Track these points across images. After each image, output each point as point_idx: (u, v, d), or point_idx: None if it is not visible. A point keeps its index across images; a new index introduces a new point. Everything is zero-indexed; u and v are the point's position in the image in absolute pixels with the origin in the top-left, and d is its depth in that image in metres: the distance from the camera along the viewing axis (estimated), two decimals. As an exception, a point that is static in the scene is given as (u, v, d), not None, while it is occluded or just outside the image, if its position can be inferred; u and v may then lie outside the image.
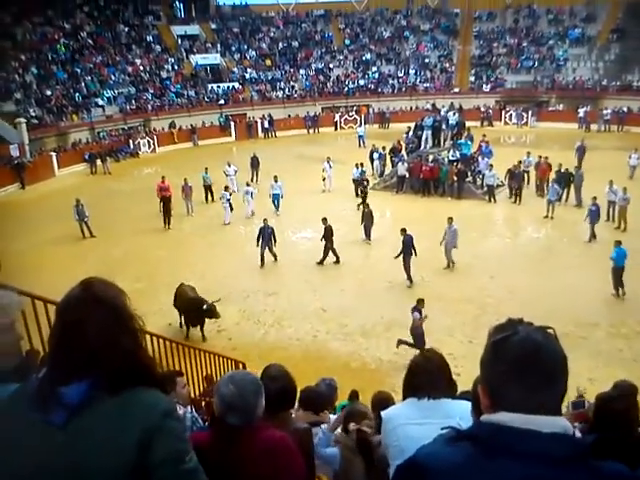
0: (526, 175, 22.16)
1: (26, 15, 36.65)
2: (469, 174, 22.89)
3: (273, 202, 20.45)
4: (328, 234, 15.96)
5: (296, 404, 3.62)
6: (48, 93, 32.94)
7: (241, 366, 8.35)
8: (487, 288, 14.11)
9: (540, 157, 22.35)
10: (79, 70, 35.52)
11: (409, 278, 14.45)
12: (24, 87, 32.45)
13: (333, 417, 4.07)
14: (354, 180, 22.47)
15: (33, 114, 30.89)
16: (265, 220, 16.42)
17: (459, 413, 2.35)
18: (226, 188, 20.28)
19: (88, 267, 15.37)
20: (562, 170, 20.70)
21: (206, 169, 22.38)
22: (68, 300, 1.63)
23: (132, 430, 1.50)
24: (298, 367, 7.29)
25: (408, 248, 14.43)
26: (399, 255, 14.49)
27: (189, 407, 4.47)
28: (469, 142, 24.79)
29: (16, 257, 15.14)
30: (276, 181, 20.60)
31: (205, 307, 11.71)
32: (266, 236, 16.00)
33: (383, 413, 2.78)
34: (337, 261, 16.12)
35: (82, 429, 1.50)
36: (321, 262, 16.06)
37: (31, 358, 3.34)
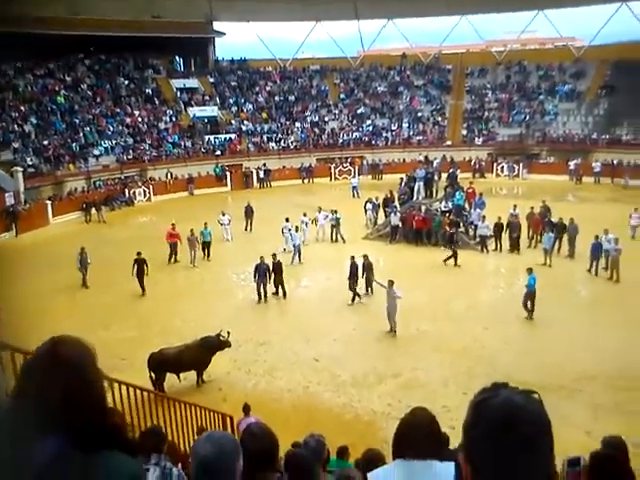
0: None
1: (28, 67, 37.62)
2: (461, 224, 23.09)
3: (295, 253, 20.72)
4: (354, 270, 16.69)
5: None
6: (46, 143, 33.37)
7: (229, 420, 8.17)
8: (481, 339, 13.97)
9: (532, 208, 22.61)
10: (78, 121, 36.13)
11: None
12: (22, 137, 32.91)
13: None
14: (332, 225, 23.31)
15: (30, 163, 31.21)
16: (261, 257, 17.08)
17: (445, 475, 2.29)
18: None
19: (82, 315, 15.33)
20: (556, 220, 20.99)
21: (205, 224, 21.79)
22: (34, 359, 1.60)
23: None
24: (289, 420, 7.20)
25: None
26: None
27: (178, 464, 4.32)
28: (462, 193, 25.22)
29: (10, 304, 14.98)
30: (297, 230, 21.35)
31: (222, 337, 12.14)
32: (261, 272, 16.91)
33: (369, 474, 2.71)
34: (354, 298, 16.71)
35: None
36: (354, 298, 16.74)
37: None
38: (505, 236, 21.57)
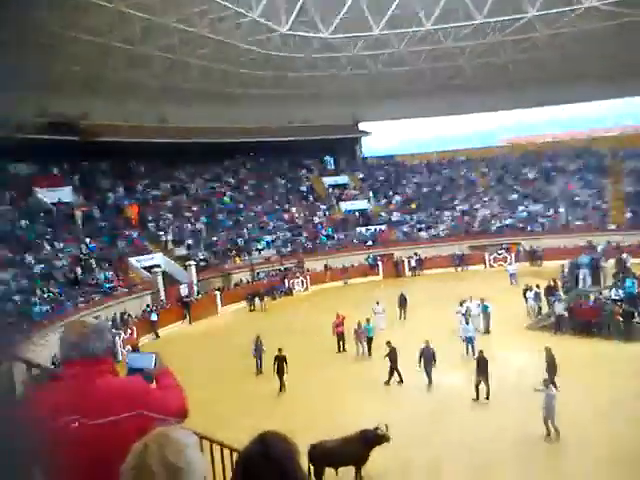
0: None
1: (198, 172, 42.36)
2: (636, 314, 21.25)
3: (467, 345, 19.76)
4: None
5: None
6: (215, 238, 36.72)
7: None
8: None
9: None
10: (242, 218, 39.49)
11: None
12: (195, 234, 36.54)
13: None
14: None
15: (202, 257, 34.37)
16: (427, 341, 17.19)
17: None
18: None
19: (250, 402, 15.95)
20: None
21: (368, 320, 21.56)
22: (245, 456, 1.76)
23: None
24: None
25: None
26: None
27: None
28: (634, 280, 23.40)
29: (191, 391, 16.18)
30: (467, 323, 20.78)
31: (380, 431, 11.68)
32: (428, 357, 16.97)
33: None
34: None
35: None
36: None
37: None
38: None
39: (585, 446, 12.58)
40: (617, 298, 22.14)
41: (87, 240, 31.03)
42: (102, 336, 2.50)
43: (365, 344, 20.87)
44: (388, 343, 17.92)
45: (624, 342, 20.01)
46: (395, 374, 17.58)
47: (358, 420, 12.71)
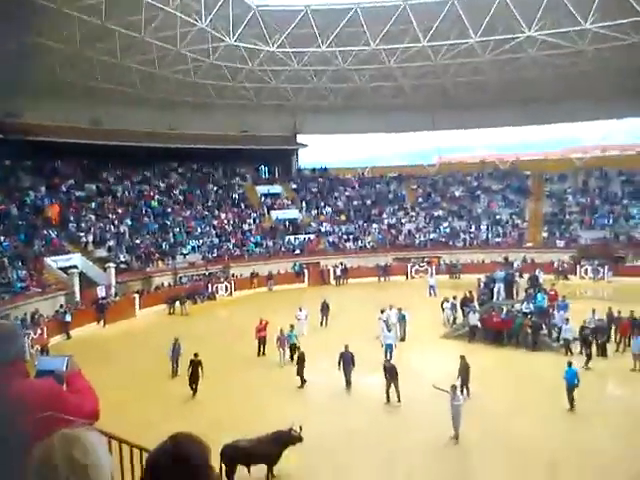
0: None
1: (127, 174, 41.37)
2: (544, 327, 22.23)
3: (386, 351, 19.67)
4: (393, 373, 16.15)
5: None
6: (138, 241, 35.80)
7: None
8: (560, 448, 12.95)
9: (619, 312, 21.53)
10: (169, 222, 38.73)
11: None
12: (117, 236, 35.52)
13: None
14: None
15: (123, 259, 33.42)
16: (346, 346, 17.39)
17: None
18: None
19: (167, 407, 15.55)
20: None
21: (292, 327, 21.16)
22: (156, 457, 1.76)
23: None
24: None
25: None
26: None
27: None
28: (544, 295, 24.49)
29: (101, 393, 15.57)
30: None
31: (294, 432, 11.94)
32: (346, 361, 17.22)
33: None
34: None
35: None
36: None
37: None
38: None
39: (489, 443, 13.21)
40: (527, 311, 23.07)
41: (1, 238, 29.61)
42: (14, 339, 2.48)
43: (288, 350, 20.51)
44: (297, 348, 18.33)
45: (531, 351, 20.91)
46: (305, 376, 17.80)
47: (275, 422, 12.65)
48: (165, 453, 1.72)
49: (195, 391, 17.16)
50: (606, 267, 35.05)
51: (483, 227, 41.50)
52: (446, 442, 13.43)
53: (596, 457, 12.21)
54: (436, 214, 43.60)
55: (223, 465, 11.26)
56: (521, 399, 15.99)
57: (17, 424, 2.14)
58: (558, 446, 12.94)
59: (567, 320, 21.37)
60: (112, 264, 31.36)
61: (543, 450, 12.78)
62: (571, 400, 15.11)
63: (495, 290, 25.50)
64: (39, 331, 23.72)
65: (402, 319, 23.27)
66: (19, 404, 2.24)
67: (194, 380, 17.14)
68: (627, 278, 33.19)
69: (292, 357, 20.21)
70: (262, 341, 21.32)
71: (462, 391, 16.16)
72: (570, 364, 15.73)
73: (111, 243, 34.50)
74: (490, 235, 40.80)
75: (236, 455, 11.52)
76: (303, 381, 17.85)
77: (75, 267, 30.03)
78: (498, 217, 42.32)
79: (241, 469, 11.65)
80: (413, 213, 44.25)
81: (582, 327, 20.61)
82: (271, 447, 11.91)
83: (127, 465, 3.59)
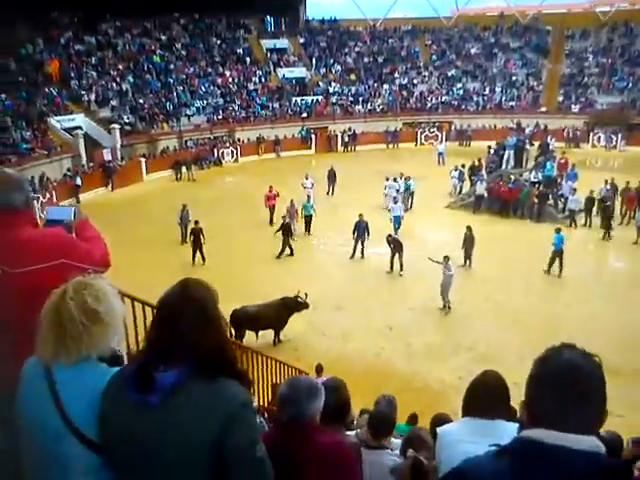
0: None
1: (127, 26, 39.03)
2: (550, 197, 22.18)
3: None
4: (397, 245, 16.53)
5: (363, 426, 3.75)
6: (141, 101, 34.78)
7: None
8: (563, 315, 13.63)
9: (628, 183, 21.36)
10: (172, 80, 37.27)
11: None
12: (120, 95, 34.44)
13: (397, 442, 4.05)
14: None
15: (127, 120, 32.69)
16: (360, 215, 17.61)
17: (512, 434, 2.40)
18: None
19: (173, 270, 15.90)
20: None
21: (308, 197, 21.32)
22: (167, 297, 1.87)
23: (217, 413, 1.71)
24: (359, 384, 7.42)
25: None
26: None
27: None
28: (553, 164, 24.18)
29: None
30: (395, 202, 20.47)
31: (300, 299, 12.62)
32: (360, 230, 17.46)
33: (438, 429, 2.86)
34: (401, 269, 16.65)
35: (174, 409, 1.72)
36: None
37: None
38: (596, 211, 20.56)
39: (483, 313, 13.92)
40: (536, 180, 22.93)
41: (2, 96, 28.61)
42: (22, 187, 2.47)
43: (297, 223, 20.25)
44: (283, 217, 18.51)
45: (535, 222, 21.12)
46: (287, 249, 18.17)
47: (283, 288, 13.42)
48: (175, 293, 1.86)
49: (202, 258, 17.45)
50: (619, 135, 34.17)
51: (497, 89, 39.89)
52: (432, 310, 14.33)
53: (591, 322, 12.91)
54: (450, 74, 41.68)
55: (231, 329, 11.62)
56: (515, 269, 16.44)
57: None
58: (552, 313, 13.70)
59: (574, 190, 21.34)
60: (116, 125, 30.64)
61: (534, 313, 13.65)
62: (560, 265, 16.05)
63: (505, 158, 25.09)
64: (48, 195, 23.89)
65: (408, 188, 23.24)
66: (32, 251, 2.31)
67: (195, 249, 17.52)
68: (640, 148, 32.57)
69: (307, 229, 20.29)
70: (272, 210, 21.27)
71: (465, 262, 16.77)
72: (559, 230, 16.66)
73: (114, 103, 33.50)
74: (504, 98, 39.34)
75: (244, 320, 12.13)
76: (291, 250, 18.18)
77: (79, 128, 29.39)
78: (514, 78, 40.50)
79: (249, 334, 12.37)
80: (426, 73, 42.29)
81: (588, 197, 20.65)
82: (278, 312, 12.61)
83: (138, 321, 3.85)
